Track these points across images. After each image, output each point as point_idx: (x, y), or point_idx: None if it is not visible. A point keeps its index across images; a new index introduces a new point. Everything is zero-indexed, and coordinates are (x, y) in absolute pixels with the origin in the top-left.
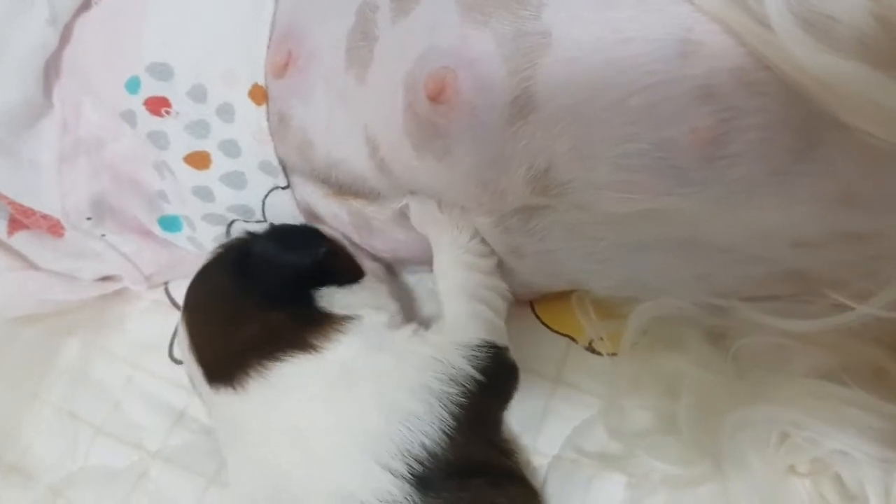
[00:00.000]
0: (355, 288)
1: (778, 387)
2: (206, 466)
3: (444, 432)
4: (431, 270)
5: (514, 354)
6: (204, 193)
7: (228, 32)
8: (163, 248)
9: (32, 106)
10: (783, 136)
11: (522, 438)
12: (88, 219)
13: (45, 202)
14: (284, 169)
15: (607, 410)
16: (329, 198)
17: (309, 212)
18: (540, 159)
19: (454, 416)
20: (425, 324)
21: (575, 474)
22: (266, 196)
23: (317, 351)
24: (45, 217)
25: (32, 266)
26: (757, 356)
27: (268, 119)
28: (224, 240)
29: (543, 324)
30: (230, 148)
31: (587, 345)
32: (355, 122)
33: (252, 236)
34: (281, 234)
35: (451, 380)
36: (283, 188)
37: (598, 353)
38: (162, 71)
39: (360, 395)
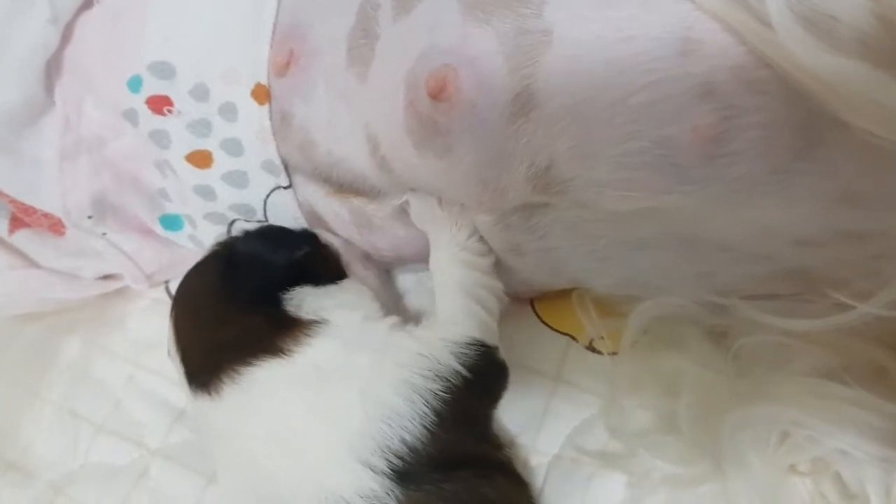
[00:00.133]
0: (332, 289)
1: (778, 386)
2: (206, 464)
3: (426, 427)
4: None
5: (514, 353)
6: (205, 192)
7: (229, 31)
8: (164, 247)
9: (34, 104)
10: (783, 134)
11: (522, 437)
12: (89, 217)
13: (47, 200)
14: (286, 168)
15: (607, 409)
16: (330, 196)
17: (310, 211)
18: (541, 157)
19: (436, 412)
20: (415, 321)
21: (575, 473)
22: (268, 195)
23: (287, 355)
24: (46, 215)
25: (33, 264)
26: (757, 355)
27: (270, 118)
28: (222, 238)
29: (544, 322)
30: (232, 147)
31: (587, 344)
32: (356, 120)
33: (240, 236)
34: (265, 235)
35: (435, 375)
36: (285, 188)
37: (599, 352)
38: (164, 70)
39: (339, 394)
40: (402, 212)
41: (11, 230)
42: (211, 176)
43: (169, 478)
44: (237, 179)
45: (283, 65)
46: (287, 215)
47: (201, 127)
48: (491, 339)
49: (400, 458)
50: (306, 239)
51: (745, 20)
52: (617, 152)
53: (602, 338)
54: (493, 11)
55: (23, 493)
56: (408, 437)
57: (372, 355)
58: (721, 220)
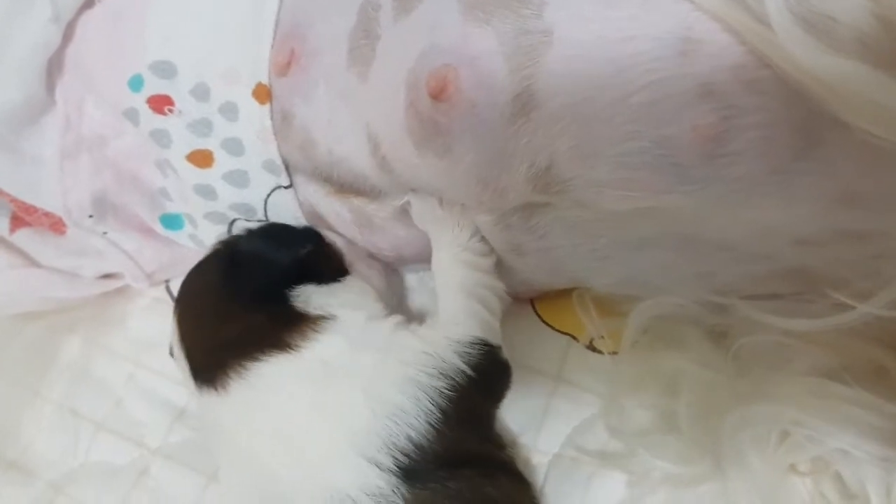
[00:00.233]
0: (335, 287)
1: (778, 385)
2: (206, 463)
3: (431, 425)
4: (430, 270)
5: (515, 353)
6: (206, 192)
7: (230, 31)
8: (164, 246)
9: (35, 103)
10: (783, 134)
11: (523, 436)
12: (90, 216)
13: (47, 199)
14: (287, 168)
15: (608, 409)
16: (331, 196)
17: (311, 211)
18: (541, 157)
19: (441, 410)
20: (419, 320)
21: (575, 472)
22: (269, 195)
23: (294, 350)
24: (46, 214)
25: (34, 263)
26: (757, 355)
27: (271, 118)
28: (223, 237)
29: (544, 322)
30: (233, 146)
31: (588, 343)
32: (357, 120)
33: (242, 235)
34: (268, 232)
35: (440, 374)
36: (286, 187)
37: (599, 352)
38: (165, 69)
39: (344, 391)
40: (403, 212)
41: (12, 229)
42: (212, 175)
43: (169, 477)
44: (238, 179)
45: (284, 64)
46: (288, 215)
47: (202, 126)
48: (494, 339)
49: (406, 455)
50: (310, 237)
51: (744, 20)
52: (617, 152)
53: (602, 337)
54: (494, 12)
55: (23, 491)
56: (414, 435)
57: (376, 354)
58: (721, 220)
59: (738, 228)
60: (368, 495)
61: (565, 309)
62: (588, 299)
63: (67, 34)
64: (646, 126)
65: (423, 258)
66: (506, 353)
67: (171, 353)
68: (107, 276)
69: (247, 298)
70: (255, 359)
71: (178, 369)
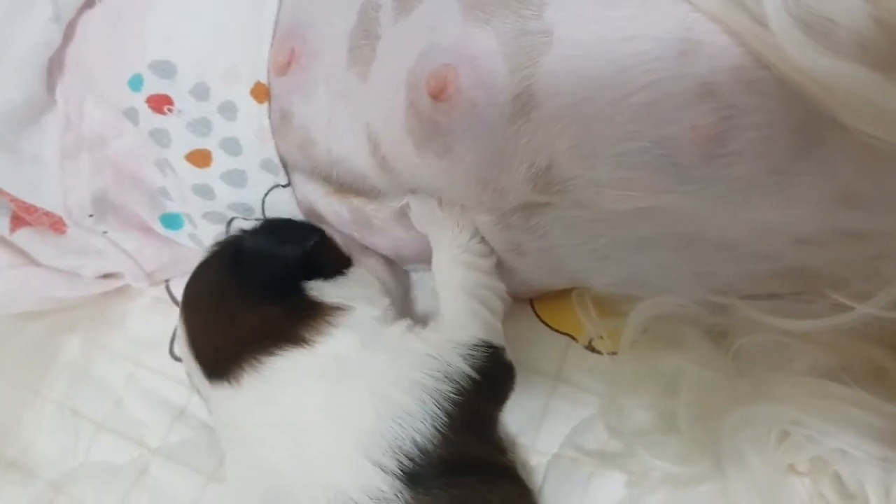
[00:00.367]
0: (342, 280)
1: (778, 385)
2: (205, 463)
3: (437, 429)
4: (431, 269)
5: (514, 353)
6: (204, 191)
7: (230, 31)
8: (164, 246)
9: (35, 103)
10: (783, 134)
11: (522, 437)
12: (90, 216)
13: (48, 199)
14: (285, 167)
15: (607, 409)
16: (330, 196)
17: (310, 210)
18: (541, 157)
19: (447, 414)
20: (423, 321)
21: (574, 472)
22: (266, 194)
23: (309, 345)
24: (47, 214)
25: (34, 263)
26: (757, 355)
27: (269, 117)
28: (221, 237)
29: (543, 322)
30: (231, 146)
31: (587, 343)
32: (357, 119)
33: (245, 232)
34: (272, 229)
35: (445, 377)
36: (284, 186)
37: (598, 352)
38: (165, 69)
39: (353, 390)
40: (403, 214)
41: (12, 228)
42: (210, 175)
43: (168, 476)
44: (236, 178)
45: (284, 64)
46: (286, 214)
47: (201, 126)
48: (497, 340)
49: (411, 459)
50: (313, 230)
51: (742, 22)
52: (617, 152)
53: (601, 337)
54: (494, 12)
55: (23, 491)
56: (419, 439)
57: (385, 355)
58: (721, 220)
59: (738, 228)
60: (370, 498)
61: (564, 309)
62: (587, 299)
63: (68, 34)
64: (646, 126)
65: (421, 259)
66: (509, 354)
67: (172, 354)
68: (107, 276)
69: (259, 293)
70: (270, 353)
71: (177, 368)
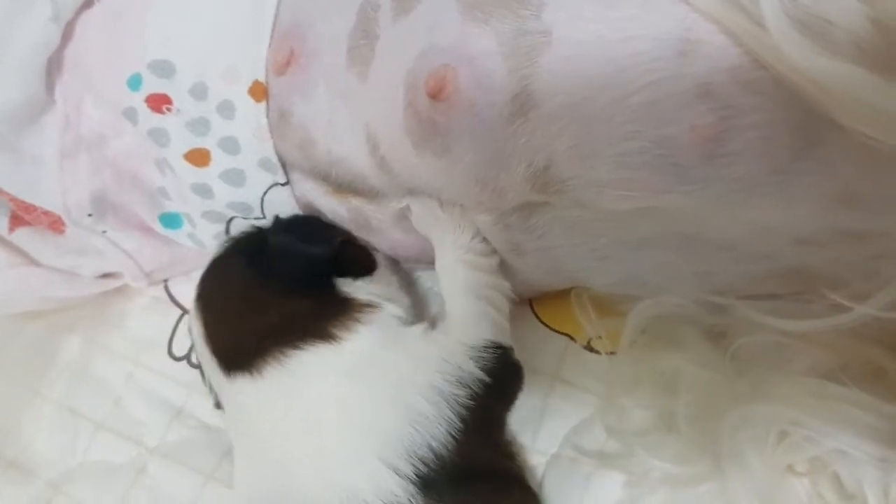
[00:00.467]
0: (369, 279)
1: (777, 386)
2: (204, 462)
3: (451, 435)
4: (429, 269)
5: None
6: (203, 190)
7: (230, 30)
8: (163, 245)
9: (34, 103)
10: (782, 134)
11: (521, 437)
12: (89, 215)
13: (47, 198)
14: (284, 166)
15: (606, 409)
16: (329, 195)
17: (308, 208)
18: (540, 157)
19: (461, 419)
20: (430, 322)
21: (573, 473)
22: (265, 193)
23: (336, 341)
24: (46, 213)
25: (33, 263)
26: (756, 355)
27: (267, 116)
28: (224, 236)
29: (542, 322)
30: (230, 145)
31: (586, 343)
32: (356, 119)
33: (265, 229)
34: (297, 226)
35: (459, 382)
36: (283, 185)
37: (597, 352)
38: (164, 68)
39: (375, 390)
40: (402, 216)
41: (11, 228)
42: (209, 174)
43: (167, 476)
44: (234, 177)
45: (284, 64)
46: (284, 212)
47: (200, 125)
48: (505, 340)
49: (425, 464)
50: (331, 227)
51: (740, 22)
52: (616, 152)
53: (600, 337)
54: (493, 12)
55: (22, 490)
56: (434, 444)
57: (405, 357)
58: (721, 220)
59: (738, 228)
60: (384, 502)
61: (563, 309)
62: (586, 299)
63: (67, 34)
64: (645, 126)
65: (418, 260)
66: (517, 354)
67: (171, 353)
68: (106, 276)
69: (289, 286)
70: (297, 347)
71: (176, 368)
